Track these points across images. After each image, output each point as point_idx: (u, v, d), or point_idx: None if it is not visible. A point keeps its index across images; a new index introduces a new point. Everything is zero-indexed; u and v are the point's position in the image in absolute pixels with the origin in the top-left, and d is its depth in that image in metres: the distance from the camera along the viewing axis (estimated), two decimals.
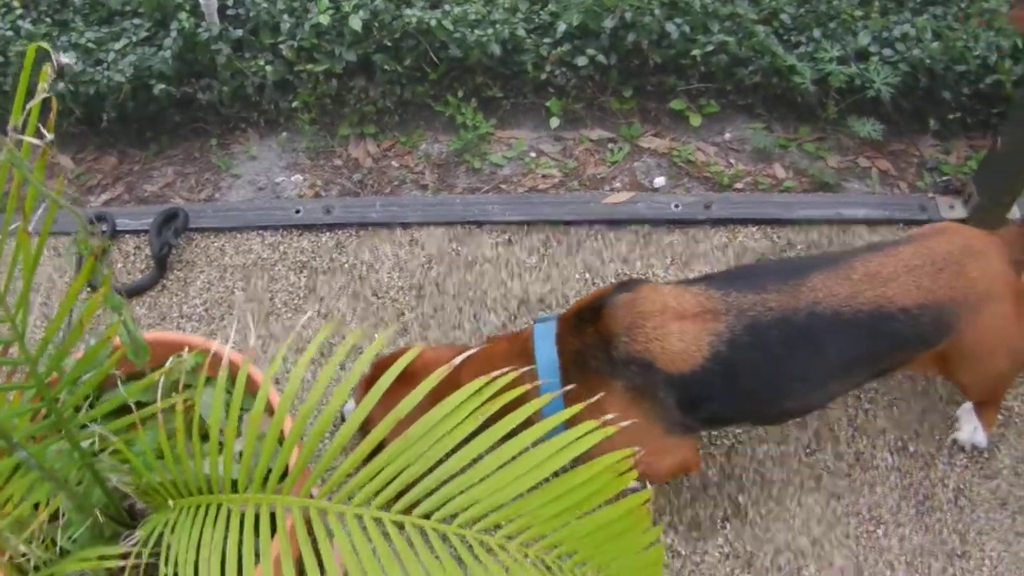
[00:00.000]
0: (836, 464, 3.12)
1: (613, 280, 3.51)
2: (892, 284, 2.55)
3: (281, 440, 2.05)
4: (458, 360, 1.84)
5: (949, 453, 3.16)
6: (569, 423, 1.80)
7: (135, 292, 3.47)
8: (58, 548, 2.05)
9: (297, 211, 3.68)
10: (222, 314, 3.44)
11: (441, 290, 3.51)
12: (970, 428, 3.14)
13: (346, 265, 3.57)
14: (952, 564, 2.96)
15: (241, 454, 1.91)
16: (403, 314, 3.44)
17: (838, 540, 2.99)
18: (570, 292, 3.50)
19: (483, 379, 1.80)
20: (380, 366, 2.45)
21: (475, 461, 1.78)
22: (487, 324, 3.42)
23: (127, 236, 3.67)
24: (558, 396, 2.28)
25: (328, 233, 3.67)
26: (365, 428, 1.92)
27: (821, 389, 2.71)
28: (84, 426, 2.07)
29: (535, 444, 1.77)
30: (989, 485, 3.10)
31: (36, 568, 2.00)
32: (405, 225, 3.68)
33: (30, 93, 1.62)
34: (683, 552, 2.96)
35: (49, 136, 1.62)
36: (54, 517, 2.06)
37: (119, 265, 3.58)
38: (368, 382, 2.58)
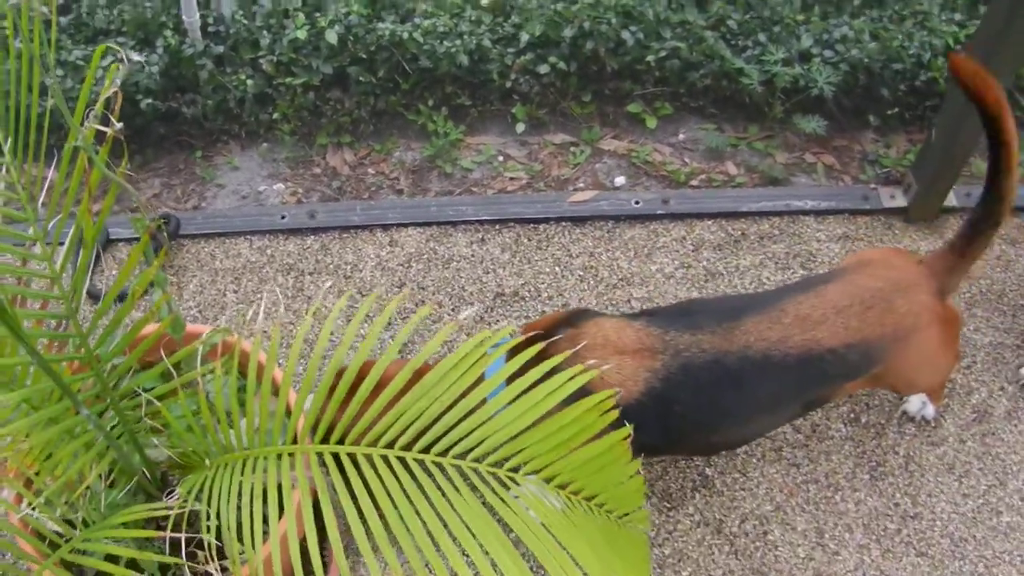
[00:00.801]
0: (794, 436, 3.25)
1: (580, 272, 3.66)
2: (821, 327, 2.61)
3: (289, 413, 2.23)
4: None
5: (898, 423, 3.29)
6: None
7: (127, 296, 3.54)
8: (102, 508, 2.21)
9: (283, 216, 3.79)
10: (215, 315, 3.53)
11: (421, 286, 3.62)
12: (918, 402, 3.28)
13: (331, 266, 3.68)
14: (906, 525, 3.09)
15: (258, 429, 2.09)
16: (402, 316, 3.54)
17: (799, 506, 3.12)
18: (542, 285, 3.62)
19: (486, 332, 1.99)
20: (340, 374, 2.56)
21: (480, 405, 1.96)
22: (467, 317, 3.54)
23: (120, 244, 3.77)
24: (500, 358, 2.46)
25: (313, 236, 3.77)
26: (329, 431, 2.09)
27: (748, 425, 2.78)
28: (124, 396, 2.25)
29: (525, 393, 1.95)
30: (936, 452, 3.24)
31: (85, 524, 2.16)
32: (385, 227, 3.79)
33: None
34: (657, 521, 3.07)
35: (118, 124, 1.80)
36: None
37: (112, 272, 3.67)
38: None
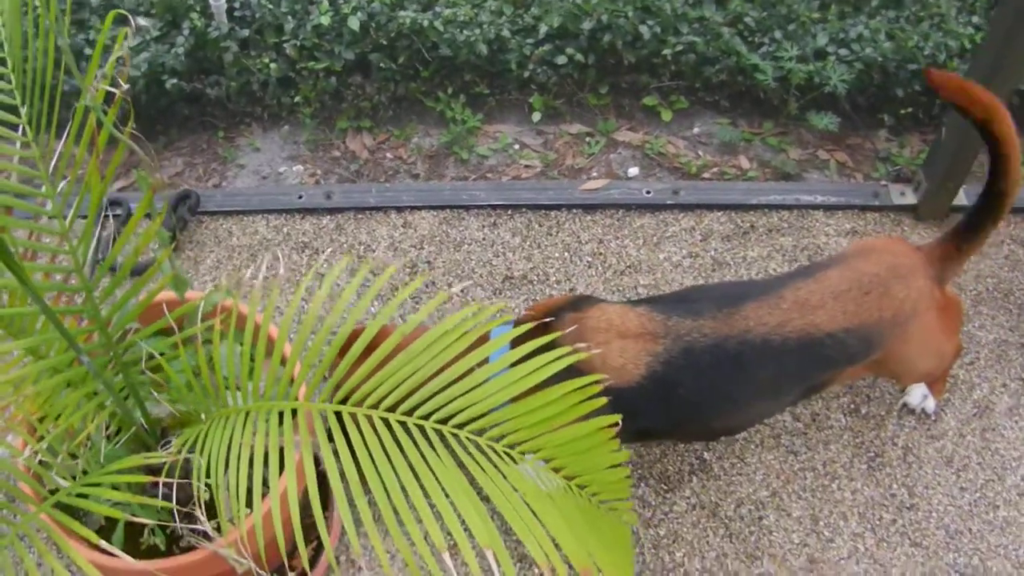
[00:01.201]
0: (794, 424, 3.29)
1: (588, 258, 3.70)
2: (820, 312, 2.64)
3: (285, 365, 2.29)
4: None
5: (898, 416, 3.32)
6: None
7: (141, 269, 3.58)
8: (102, 457, 2.27)
9: (300, 196, 3.85)
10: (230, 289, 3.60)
11: (432, 267, 3.66)
12: (919, 395, 3.31)
13: (345, 245, 3.74)
14: (901, 515, 3.12)
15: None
16: (397, 289, 3.58)
17: (795, 492, 3.15)
18: (550, 269, 3.67)
19: (474, 306, 2.04)
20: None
21: (467, 374, 2.00)
22: (475, 298, 3.58)
23: (142, 220, 3.82)
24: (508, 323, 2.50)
25: (328, 216, 3.83)
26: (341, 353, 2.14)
27: (748, 410, 2.80)
28: (127, 350, 2.32)
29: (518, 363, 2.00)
30: (936, 445, 3.27)
31: (84, 472, 2.22)
32: (399, 209, 3.84)
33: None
34: (653, 503, 3.11)
35: (125, 86, 1.87)
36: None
37: (126, 246, 3.72)
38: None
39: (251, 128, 4.20)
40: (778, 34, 4.14)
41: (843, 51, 4.08)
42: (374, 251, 3.71)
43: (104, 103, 1.99)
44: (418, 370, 2.01)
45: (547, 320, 2.56)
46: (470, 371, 2.02)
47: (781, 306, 2.66)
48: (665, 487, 3.17)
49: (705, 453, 3.24)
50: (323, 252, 3.72)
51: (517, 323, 2.66)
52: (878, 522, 3.13)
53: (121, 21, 1.93)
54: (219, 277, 3.64)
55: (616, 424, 2.04)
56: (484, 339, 2.13)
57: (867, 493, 3.18)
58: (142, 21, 2.05)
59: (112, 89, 1.91)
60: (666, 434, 2.94)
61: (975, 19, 4.21)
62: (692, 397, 2.68)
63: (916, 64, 4.05)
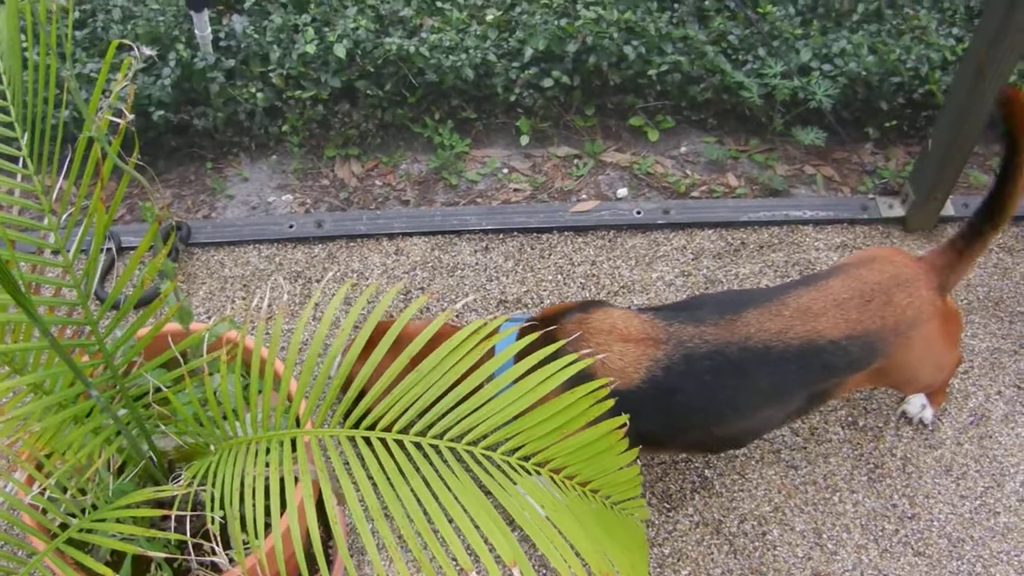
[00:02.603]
0: (793, 439, 3.30)
1: (582, 280, 3.70)
2: (822, 319, 2.67)
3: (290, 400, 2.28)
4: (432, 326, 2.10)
5: (896, 426, 3.33)
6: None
7: (143, 303, 3.58)
8: (110, 491, 2.27)
9: (291, 225, 3.84)
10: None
11: (426, 294, 3.62)
12: (918, 404, 3.32)
13: (338, 273, 3.73)
14: (903, 526, 3.13)
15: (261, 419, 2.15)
16: (391, 316, 3.56)
17: (797, 507, 3.16)
18: (544, 292, 3.67)
19: (479, 321, 2.05)
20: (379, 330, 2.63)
21: (476, 391, 2.01)
22: (469, 323, 3.57)
23: (131, 252, 3.78)
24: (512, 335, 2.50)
25: (320, 245, 3.82)
26: (348, 382, 2.13)
27: (751, 417, 2.80)
28: (133, 384, 2.31)
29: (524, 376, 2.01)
30: (934, 454, 3.29)
31: (94, 507, 2.21)
32: (391, 236, 3.84)
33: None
34: (656, 522, 3.12)
35: (130, 116, 1.87)
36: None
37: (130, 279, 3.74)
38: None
39: (239, 158, 4.19)
40: (762, 51, 4.16)
41: (827, 66, 4.10)
42: (367, 279, 3.71)
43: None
44: (429, 388, 2.01)
45: (550, 329, 2.58)
46: (479, 387, 2.04)
47: (783, 313, 2.69)
48: (668, 506, 3.17)
49: (706, 470, 3.24)
50: (316, 281, 3.70)
51: (524, 329, 2.69)
52: (881, 533, 3.14)
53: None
54: (212, 308, 3.63)
55: (624, 425, 2.05)
56: (490, 354, 2.14)
57: (868, 505, 3.19)
58: (146, 51, 2.05)
59: (116, 120, 1.91)
60: (667, 441, 2.91)
61: (955, 31, 4.23)
62: (692, 403, 2.70)
63: (899, 77, 4.06)
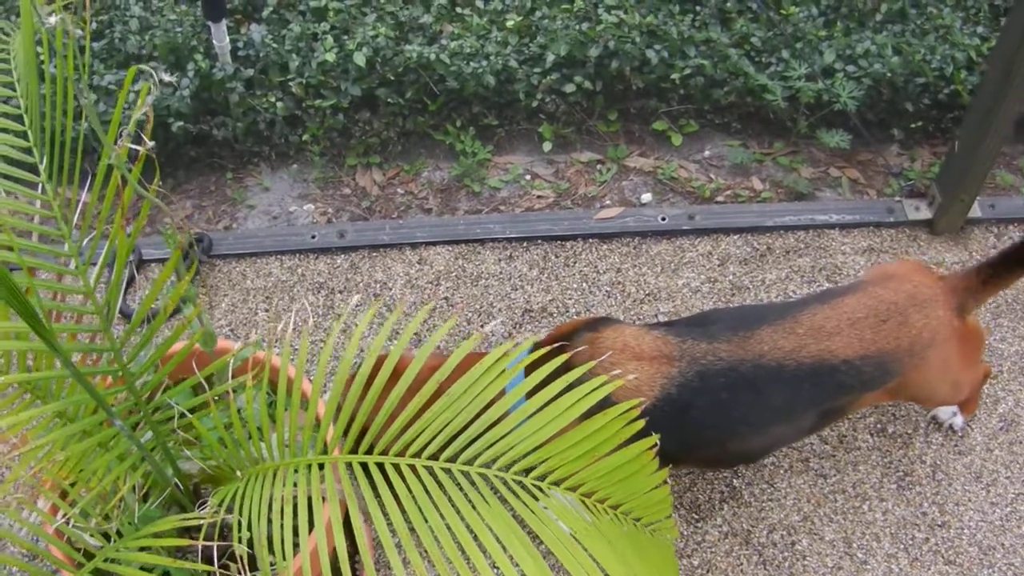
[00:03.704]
0: (821, 447, 3.27)
1: (607, 288, 3.68)
2: (835, 338, 2.65)
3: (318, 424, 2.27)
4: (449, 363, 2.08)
5: (925, 432, 3.31)
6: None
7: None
8: (136, 520, 2.26)
9: (313, 236, 3.83)
10: (247, 333, 3.58)
11: (450, 303, 3.65)
12: (949, 410, 3.30)
13: (361, 284, 3.72)
14: (934, 534, 3.11)
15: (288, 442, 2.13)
16: (419, 337, 3.57)
17: (827, 516, 3.14)
18: (569, 301, 3.65)
19: (506, 345, 2.03)
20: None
21: (505, 416, 1.99)
22: (494, 332, 3.58)
23: (152, 264, 3.81)
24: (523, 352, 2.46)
25: (343, 256, 3.81)
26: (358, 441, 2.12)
27: (764, 435, 2.78)
28: (157, 409, 2.30)
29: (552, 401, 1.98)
30: (964, 460, 3.26)
31: (119, 534, 2.21)
32: (414, 245, 3.82)
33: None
34: (685, 532, 3.10)
35: (150, 144, 1.85)
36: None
37: (146, 292, 3.71)
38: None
39: (259, 168, 4.18)
40: (785, 53, 4.12)
41: (851, 67, 4.06)
42: (391, 289, 3.69)
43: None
44: (458, 415, 1.99)
45: (561, 344, 2.52)
46: (507, 413, 2.01)
47: (796, 331, 2.67)
48: (696, 516, 3.16)
49: (735, 480, 3.22)
50: (339, 292, 3.69)
51: (538, 346, 2.63)
52: (911, 542, 3.12)
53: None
54: (235, 321, 3.62)
55: (655, 445, 2.03)
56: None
57: (898, 513, 3.17)
58: (165, 76, 2.03)
59: (136, 147, 1.89)
60: (681, 458, 2.88)
61: (980, 29, 4.19)
62: (706, 420, 2.68)
63: (924, 77, 4.03)
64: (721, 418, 2.68)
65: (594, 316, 3.18)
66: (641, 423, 1.99)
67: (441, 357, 2.20)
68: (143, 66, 1.91)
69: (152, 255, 3.82)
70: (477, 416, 2.00)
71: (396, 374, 2.08)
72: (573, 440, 1.96)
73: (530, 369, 2.07)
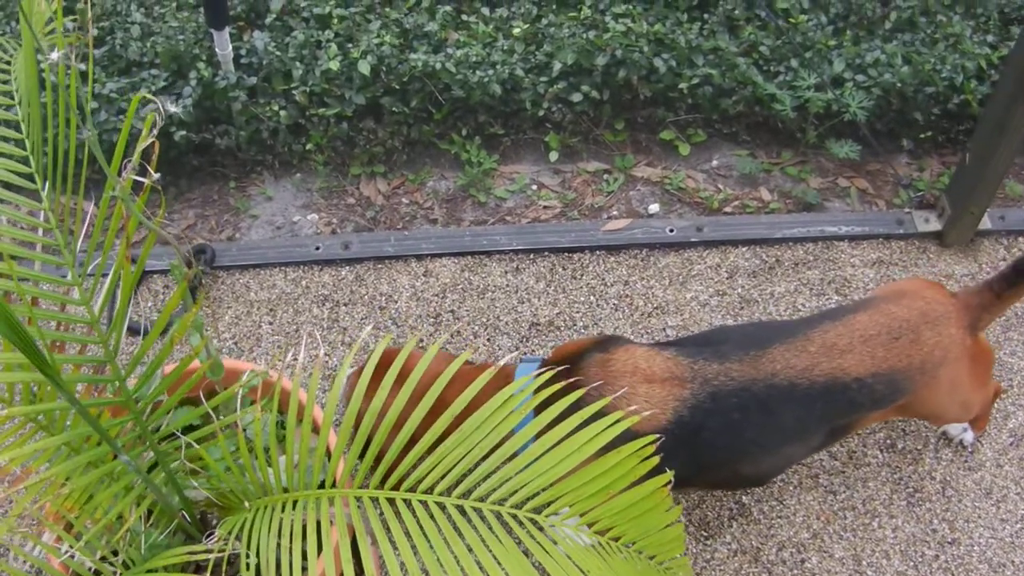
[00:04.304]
0: (831, 463, 3.26)
1: (615, 301, 3.66)
2: (848, 356, 2.63)
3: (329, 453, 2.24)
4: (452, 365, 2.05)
5: (935, 448, 3.30)
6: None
7: (167, 328, 3.54)
8: (143, 549, 2.23)
9: (317, 248, 3.81)
10: (251, 347, 3.56)
11: (456, 317, 3.63)
12: (960, 426, 3.29)
13: (366, 297, 3.70)
14: (944, 551, 3.10)
15: (298, 465, 2.11)
16: (422, 340, 3.55)
17: (836, 533, 3.13)
18: (577, 315, 3.63)
19: (525, 378, 2.00)
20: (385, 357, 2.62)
21: (520, 451, 1.96)
22: (501, 347, 3.55)
23: (155, 276, 3.79)
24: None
25: (347, 267, 3.78)
26: (357, 422, 2.09)
27: (777, 454, 2.76)
28: (162, 439, 2.27)
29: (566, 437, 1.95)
30: (974, 476, 3.25)
31: (126, 566, 2.17)
32: (419, 257, 3.80)
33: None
34: (694, 550, 3.08)
35: (156, 175, 1.82)
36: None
37: (148, 304, 3.70)
38: (359, 372, 2.62)
39: (263, 177, 4.15)
40: (794, 62, 4.09)
41: (860, 77, 4.03)
42: (396, 302, 3.67)
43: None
44: (471, 450, 1.96)
45: (575, 380, 2.48)
46: (522, 448, 1.98)
47: (808, 349, 2.65)
48: (705, 533, 3.14)
49: (744, 497, 3.21)
50: (344, 304, 3.67)
51: (545, 364, 2.66)
52: (920, 559, 3.11)
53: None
54: (239, 334, 3.60)
55: (669, 482, 2.00)
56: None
57: (908, 530, 3.16)
58: (171, 107, 2.00)
59: (141, 179, 1.85)
60: (692, 480, 2.86)
61: (990, 38, 4.16)
62: (719, 442, 2.65)
63: (934, 87, 4.00)
64: (733, 439, 2.66)
65: (602, 335, 3.15)
66: (656, 460, 1.96)
67: (448, 359, 2.17)
68: (148, 95, 1.87)
69: (154, 266, 3.80)
70: (491, 452, 1.97)
71: (402, 375, 2.05)
72: (587, 476, 1.94)
73: (541, 405, 2.02)
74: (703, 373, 2.62)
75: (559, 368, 2.20)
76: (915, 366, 2.67)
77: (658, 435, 2.50)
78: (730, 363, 2.63)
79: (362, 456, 2.06)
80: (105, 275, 2.16)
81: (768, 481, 3.09)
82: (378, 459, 2.05)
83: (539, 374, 2.06)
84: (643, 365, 2.64)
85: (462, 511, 1.93)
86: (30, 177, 2.19)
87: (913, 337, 2.67)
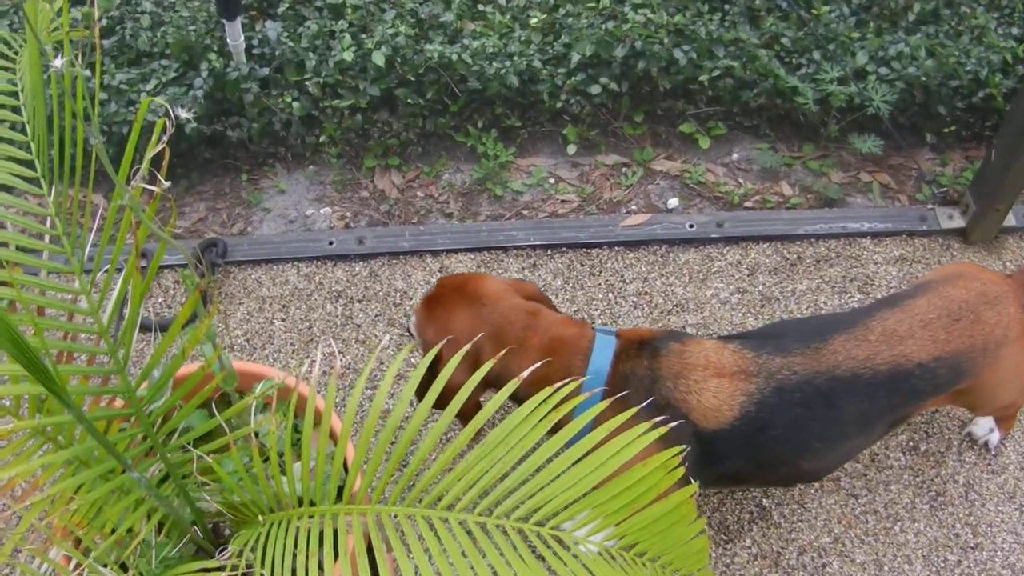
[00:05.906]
0: (852, 466, 3.23)
1: (634, 298, 3.62)
2: (909, 342, 2.61)
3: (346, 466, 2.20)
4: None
5: (958, 451, 3.26)
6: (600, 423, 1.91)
7: (162, 328, 3.55)
8: (153, 565, 2.19)
9: (331, 242, 3.77)
10: (263, 343, 3.52)
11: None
12: (986, 427, 3.26)
13: (380, 293, 3.66)
14: (966, 556, 3.07)
15: (313, 472, 2.06)
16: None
17: (858, 537, 3.10)
18: (595, 312, 3.59)
19: (548, 390, 1.92)
20: (444, 284, 2.60)
21: (545, 464, 1.90)
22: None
23: (165, 271, 3.75)
24: (594, 395, 2.40)
25: (361, 263, 3.75)
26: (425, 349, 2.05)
27: (838, 449, 2.73)
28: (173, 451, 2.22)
29: (593, 449, 1.89)
30: (997, 480, 3.22)
31: None
32: (435, 253, 3.76)
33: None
34: (714, 555, 3.06)
35: (166, 184, 1.77)
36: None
37: (159, 299, 3.67)
38: (429, 299, 2.65)
39: (275, 169, 4.11)
40: (816, 54, 4.04)
41: (883, 70, 3.98)
42: (411, 299, 3.63)
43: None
44: (495, 465, 1.90)
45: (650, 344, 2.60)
46: (548, 461, 1.93)
47: (869, 338, 2.63)
48: (725, 537, 3.12)
49: (764, 500, 3.18)
50: (358, 301, 3.63)
51: (621, 341, 2.64)
52: (943, 564, 3.09)
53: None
54: (251, 330, 3.56)
55: (694, 493, 1.96)
56: (568, 417, 2.01)
57: (930, 534, 3.14)
58: (183, 114, 1.95)
59: (150, 187, 1.80)
60: (753, 478, 2.87)
61: (1015, 31, 4.10)
62: (782, 437, 2.62)
63: (958, 80, 3.96)
64: (797, 434, 2.63)
65: (667, 327, 3.10)
66: (682, 471, 1.91)
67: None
68: (158, 99, 1.82)
69: (166, 261, 3.75)
70: (515, 466, 1.92)
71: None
72: (613, 491, 1.89)
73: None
74: (768, 367, 2.60)
75: (617, 396, 2.14)
76: (977, 347, 2.65)
77: (722, 431, 2.54)
78: (792, 356, 2.61)
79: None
80: (113, 288, 2.11)
81: (824, 477, 3.05)
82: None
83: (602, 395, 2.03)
84: (713, 358, 2.62)
85: (484, 528, 1.89)
86: (36, 182, 2.15)
87: (973, 318, 2.65)
